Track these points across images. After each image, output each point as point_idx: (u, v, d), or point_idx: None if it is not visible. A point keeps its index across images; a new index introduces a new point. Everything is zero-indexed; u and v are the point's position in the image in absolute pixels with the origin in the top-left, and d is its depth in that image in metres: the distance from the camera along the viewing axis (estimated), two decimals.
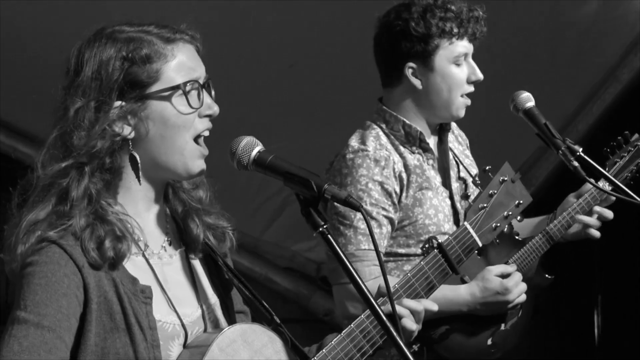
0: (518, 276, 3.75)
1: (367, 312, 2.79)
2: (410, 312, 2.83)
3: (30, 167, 2.61)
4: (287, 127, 6.25)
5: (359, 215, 3.64)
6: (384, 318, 2.44)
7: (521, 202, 3.10)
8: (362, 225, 3.65)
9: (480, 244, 3.00)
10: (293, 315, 6.84)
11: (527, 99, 3.78)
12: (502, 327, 3.82)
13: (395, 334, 2.39)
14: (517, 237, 3.90)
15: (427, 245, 2.94)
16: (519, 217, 3.15)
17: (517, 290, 3.72)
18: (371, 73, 6.21)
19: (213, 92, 2.71)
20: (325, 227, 2.51)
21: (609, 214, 4.09)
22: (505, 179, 3.07)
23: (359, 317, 2.80)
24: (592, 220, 4.05)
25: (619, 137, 4.16)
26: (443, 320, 3.70)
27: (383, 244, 3.71)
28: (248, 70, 6.16)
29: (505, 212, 3.06)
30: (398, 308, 2.79)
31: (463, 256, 2.97)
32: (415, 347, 3.64)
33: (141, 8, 4.65)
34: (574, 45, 6.40)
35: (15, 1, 5.76)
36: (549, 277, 4.04)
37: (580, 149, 3.70)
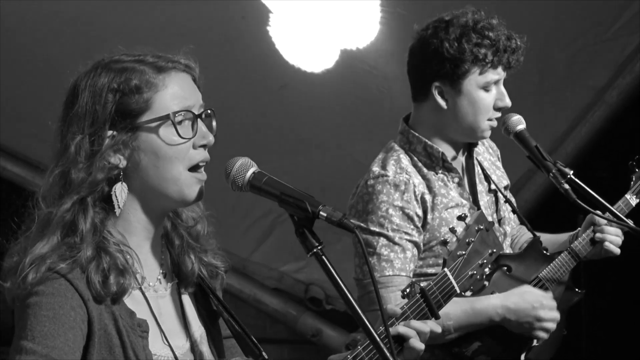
0: (553, 302, 3.76)
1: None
2: (417, 332, 2.87)
3: (31, 195, 2.60)
4: (276, 148, 6.26)
5: (381, 241, 3.66)
6: (383, 348, 2.48)
7: (494, 250, 3.13)
8: (385, 251, 3.65)
9: (458, 291, 3.04)
10: (281, 336, 6.84)
11: (518, 122, 3.80)
12: (535, 342, 3.81)
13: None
14: (545, 253, 3.91)
15: (408, 290, 2.97)
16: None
17: (551, 314, 3.73)
18: (360, 95, 6.25)
19: (214, 122, 2.68)
20: (319, 248, 2.52)
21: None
22: (482, 227, 3.10)
23: (357, 349, 2.78)
24: (614, 237, 3.94)
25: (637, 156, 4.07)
26: (474, 337, 3.71)
27: (409, 268, 3.69)
28: (239, 92, 6.18)
29: (480, 260, 3.09)
30: (405, 329, 2.86)
31: (443, 302, 3.01)
32: None
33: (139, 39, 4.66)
34: (563, 67, 6.44)
35: (14, 20, 5.78)
36: (580, 291, 4.02)
37: (571, 172, 3.72)
